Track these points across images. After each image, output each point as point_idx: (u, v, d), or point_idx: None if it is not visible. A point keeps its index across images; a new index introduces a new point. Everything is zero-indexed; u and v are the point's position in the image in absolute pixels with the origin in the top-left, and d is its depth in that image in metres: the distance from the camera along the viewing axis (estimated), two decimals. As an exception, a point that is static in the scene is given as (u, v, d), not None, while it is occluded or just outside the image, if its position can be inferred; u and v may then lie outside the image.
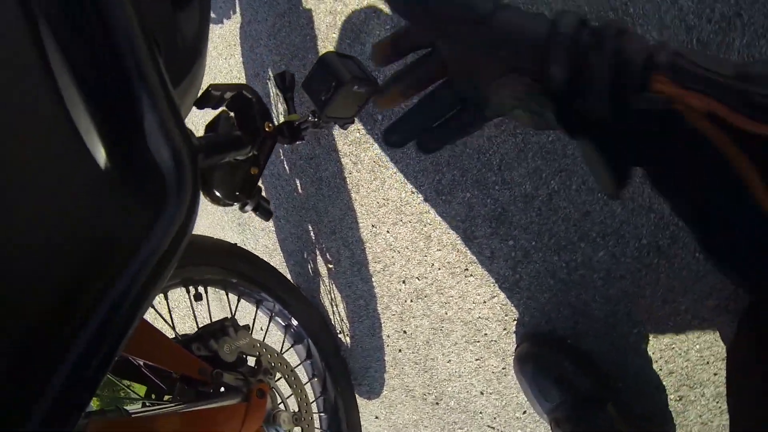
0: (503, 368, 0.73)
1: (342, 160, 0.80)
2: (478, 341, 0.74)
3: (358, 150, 0.77)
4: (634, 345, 0.63)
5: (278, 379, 0.77)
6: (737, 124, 0.29)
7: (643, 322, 0.62)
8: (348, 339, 0.90)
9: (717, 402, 0.60)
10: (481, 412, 0.77)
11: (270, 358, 0.76)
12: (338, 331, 0.92)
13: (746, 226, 0.31)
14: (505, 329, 0.71)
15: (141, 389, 0.67)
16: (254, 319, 0.82)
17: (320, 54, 0.48)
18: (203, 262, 0.75)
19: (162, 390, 0.64)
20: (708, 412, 0.61)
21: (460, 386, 0.78)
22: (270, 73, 0.86)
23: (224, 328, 0.70)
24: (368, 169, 0.77)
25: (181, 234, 0.30)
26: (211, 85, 0.42)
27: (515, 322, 0.70)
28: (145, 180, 0.31)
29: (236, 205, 0.45)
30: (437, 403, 0.81)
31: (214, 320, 0.72)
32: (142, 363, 0.63)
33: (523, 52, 0.34)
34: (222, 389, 0.67)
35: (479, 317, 0.73)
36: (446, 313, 0.76)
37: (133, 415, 0.55)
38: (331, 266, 0.87)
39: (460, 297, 0.73)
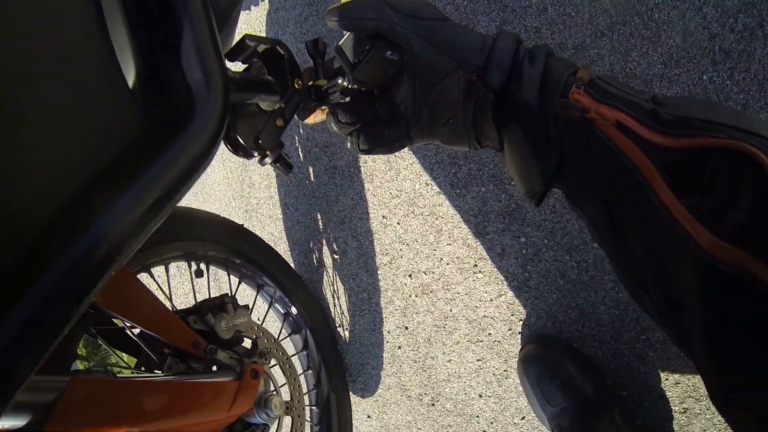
0: (505, 371, 0.71)
1: (357, 149, 0.80)
2: (482, 341, 0.72)
3: (374, 140, 0.78)
4: (640, 352, 0.62)
5: (273, 366, 0.75)
6: (642, 134, 0.33)
7: (651, 329, 0.61)
8: (347, 333, 0.88)
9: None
10: (477, 416, 0.74)
11: (267, 342, 0.74)
12: (338, 325, 0.90)
13: (650, 230, 0.33)
14: (510, 329, 0.70)
15: (133, 362, 0.65)
16: (253, 304, 0.80)
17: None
18: (209, 238, 0.74)
19: (153, 363, 0.62)
20: (713, 427, 0.60)
21: (459, 388, 0.76)
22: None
23: (223, 304, 0.68)
24: (384, 159, 0.77)
25: (200, 158, 0.29)
26: (246, 35, 0.43)
27: (521, 322, 0.69)
28: (173, 98, 0.30)
29: (256, 160, 0.44)
30: (433, 405, 0.79)
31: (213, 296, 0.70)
32: (137, 333, 0.61)
33: (472, 54, 0.39)
34: (214, 368, 0.65)
35: (484, 316, 0.71)
36: (451, 310, 0.74)
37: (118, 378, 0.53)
38: (336, 257, 0.86)
39: (466, 294, 0.72)
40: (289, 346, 0.84)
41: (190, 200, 1.17)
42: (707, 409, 0.59)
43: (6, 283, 0.24)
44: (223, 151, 1.06)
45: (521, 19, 0.63)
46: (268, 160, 0.44)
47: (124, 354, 0.66)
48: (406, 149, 0.75)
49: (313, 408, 0.84)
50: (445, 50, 0.40)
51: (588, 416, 0.61)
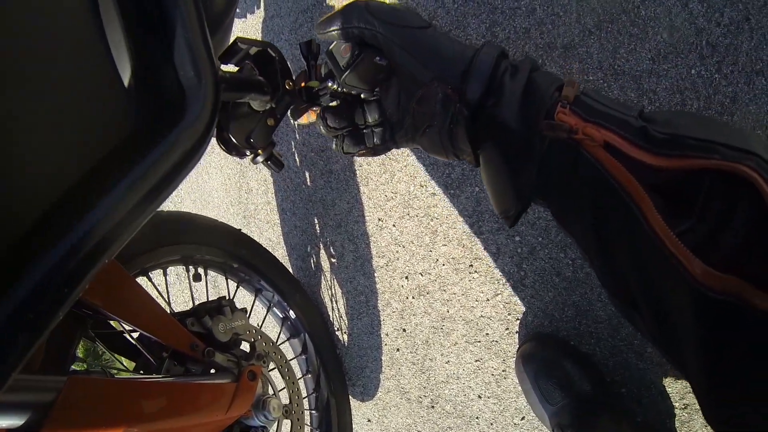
0: (503, 371, 0.71)
1: (353, 153, 0.81)
2: (479, 341, 0.72)
3: (369, 143, 0.79)
4: (638, 348, 0.61)
5: (272, 369, 0.75)
6: (632, 154, 0.32)
7: (649, 325, 0.61)
8: (346, 336, 0.88)
9: (724, 413, 0.58)
10: (477, 417, 0.74)
11: (265, 345, 0.74)
12: (336, 328, 0.90)
13: (638, 251, 0.32)
14: (507, 329, 0.70)
15: (132, 366, 0.66)
16: (251, 307, 0.80)
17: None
18: (207, 242, 0.75)
19: (152, 366, 0.62)
20: (714, 424, 0.59)
21: (458, 389, 0.75)
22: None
23: (221, 307, 0.69)
24: (379, 162, 0.78)
25: (191, 153, 0.30)
26: (238, 38, 0.44)
27: (518, 321, 0.69)
28: (166, 95, 0.31)
29: (248, 160, 0.45)
30: (433, 407, 0.79)
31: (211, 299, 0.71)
32: (135, 337, 0.62)
33: (449, 65, 0.38)
34: (213, 371, 0.65)
35: (481, 316, 0.71)
36: (448, 311, 0.74)
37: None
38: (334, 260, 0.87)
39: (463, 294, 0.72)
40: (288, 351, 0.84)
41: (189, 206, 1.18)
42: (707, 406, 0.59)
43: (5, 264, 0.25)
44: (220, 158, 1.07)
45: (510, 21, 0.64)
46: (259, 158, 0.45)
47: (123, 358, 0.66)
48: (399, 151, 0.76)
49: (313, 412, 0.83)
50: (423, 61, 0.39)
51: (587, 414, 0.61)
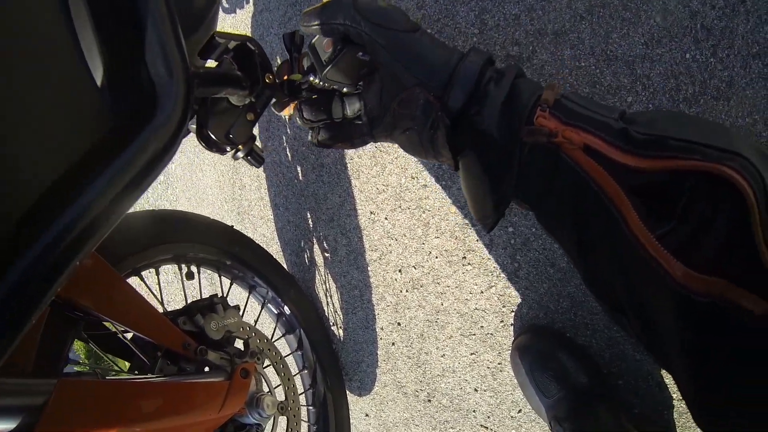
0: (499, 363, 0.70)
1: (344, 146, 0.80)
2: (474, 334, 0.71)
3: (360, 136, 0.78)
4: (633, 340, 0.61)
5: (267, 366, 0.75)
6: (612, 156, 0.31)
7: (645, 316, 0.60)
8: (341, 331, 0.88)
9: (722, 403, 0.57)
10: (474, 411, 0.73)
11: (259, 342, 0.74)
12: (331, 323, 0.89)
13: (620, 255, 0.32)
14: (502, 321, 0.69)
15: (126, 366, 0.65)
16: (245, 304, 0.80)
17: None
18: (199, 240, 0.74)
19: (146, 366, 0.62)
20: (712, 414, 0.58)
21: (454, 382, 0.75)
22: (278, 60, 0.87)
23: (212, 305, 0.68)
24: (369, 155, 0.77)
25: (164, 150, 0.30)
26: (215, 33, 0.43)
27: (513, 313, 0.68)
28: (138, 93, 0.31)
29: (229, 156, 0.44)
30: (429, 401, 0.78)
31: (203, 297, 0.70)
32: (129, 337, 0.61)
33: (433, 72, 0.38)
34: (206, 369, 0.65)
35: (476, 308, 0.71)
36: (442, 304, 0.74)
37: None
38: (327, 255, 0.86)
39: (456, 287, 0.72)
40: (284, 347, 0.84)
41: (184, 205, 1.18)
42: (705, 396, 0.58)
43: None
44: (213, 155, 1.06)
45: (500, 7, 0.63)
46: (240, 154, 0.44)
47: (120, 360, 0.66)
48: (389, 144, 0.74)
49: (310, 408, 0.83)
50: (407, 65, 0.39)
51: (584, 406, 0.60)
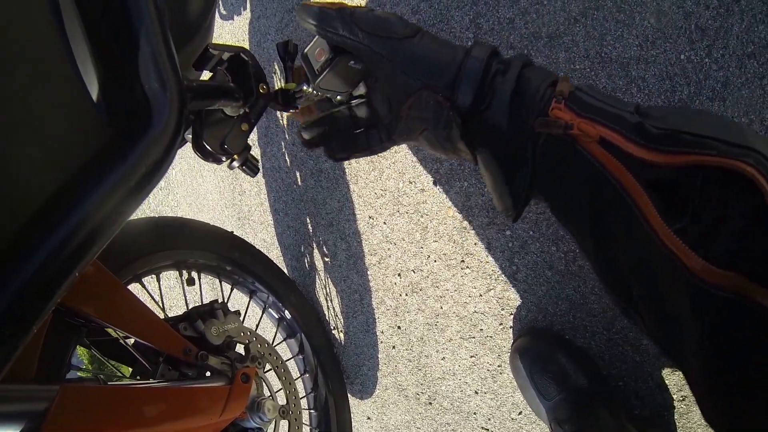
0: (499, 366, 0.70)
1: (342, 151, 0.80)
2: (473, 337, 0.72)
3: (358, 140, 0.78)
4: (633, 341, 0.60)
5: (268, 371, 0.75)
6: (628, 149, 0.31)
7: (644, 317, 0.60)
8: (342, 335, 0.88)
9: (722, 404, 0.57)
10: (475, 413, 0.74)
11: (260, 347, 0.74)
12: (332, 327, 0.90)
13: (636, 248, 0.32)
14: (501, 324, 0.69)
15: (129, 372, 0.66)
16: (246, 309, 0.81)
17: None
18: (199, 246, 0.75)
19: (148, 372, 0.62)
20: (713, 416, 0.58)
21: (454, 385, 0.75)
22: (276, 67, 0.88)
23: (213, 310, 0.69)
24: (367, 159, 0.77)
25: (159, 163, 0.30)
26: (209, 45, 0.43)
27: (512, 316, 0.68)
28: (133, 108, 0.31)
29: (225, 165, 0.45)
30: (430, 403, 0.78)
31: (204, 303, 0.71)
32: (131, 343, 0.62)
33: (439, 73, 0.37)
34: (207, 374, 0.65)
35: (475, 311, 0.71)
36: (441, 308, 0.74)
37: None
38: (327, 259, 0.87)
39: (455, 290, 0.72)
40: (285, 351, 0.84)
41: (185, 211, 1.19)
42: (705, 397, 0.58)
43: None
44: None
45: (494, 11, 0.63)
46: (235, 164, 0.44)
47: (122, 366, 0.67)
48: (388, 148, 0.75)
49: (312, 411, 0.84)
50: (409, 72, 0.38)
51: (585, 408, 0.60)
